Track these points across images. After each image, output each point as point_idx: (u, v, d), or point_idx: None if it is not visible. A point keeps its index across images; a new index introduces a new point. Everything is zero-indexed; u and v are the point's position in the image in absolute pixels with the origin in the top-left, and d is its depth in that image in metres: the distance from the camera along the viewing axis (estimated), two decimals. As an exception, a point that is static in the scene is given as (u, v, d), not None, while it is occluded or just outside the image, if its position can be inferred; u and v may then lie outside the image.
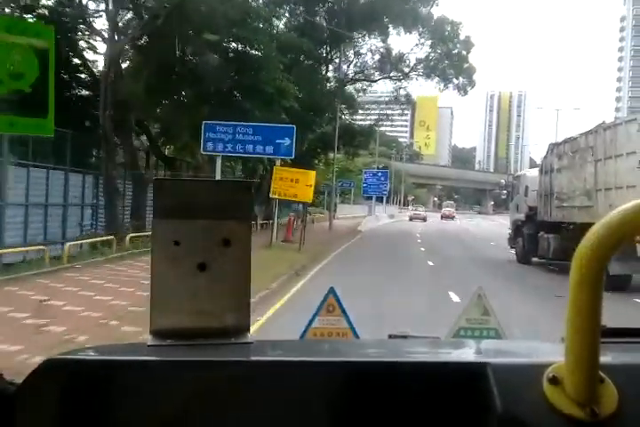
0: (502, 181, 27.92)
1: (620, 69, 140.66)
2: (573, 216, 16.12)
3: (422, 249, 25.54)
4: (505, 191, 25.66)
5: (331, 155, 43.58)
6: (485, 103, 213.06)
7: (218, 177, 21.35)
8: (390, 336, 1.45)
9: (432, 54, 42.97)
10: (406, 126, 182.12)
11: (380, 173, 61.73)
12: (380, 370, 0.93)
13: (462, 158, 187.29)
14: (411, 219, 68.66)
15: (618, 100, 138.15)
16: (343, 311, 2.36)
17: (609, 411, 0.81)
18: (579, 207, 15.63)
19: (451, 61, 42.56)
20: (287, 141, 22.76)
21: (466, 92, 44.02)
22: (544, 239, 17.60)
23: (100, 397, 0.88)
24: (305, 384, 0.89)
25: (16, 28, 3.05)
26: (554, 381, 0.83)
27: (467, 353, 1.19)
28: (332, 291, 2.36)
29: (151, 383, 0.89)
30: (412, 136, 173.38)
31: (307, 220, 29.71)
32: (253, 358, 1.00)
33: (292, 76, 27.03)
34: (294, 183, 22.37)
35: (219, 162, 23.31)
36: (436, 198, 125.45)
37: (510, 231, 22.17)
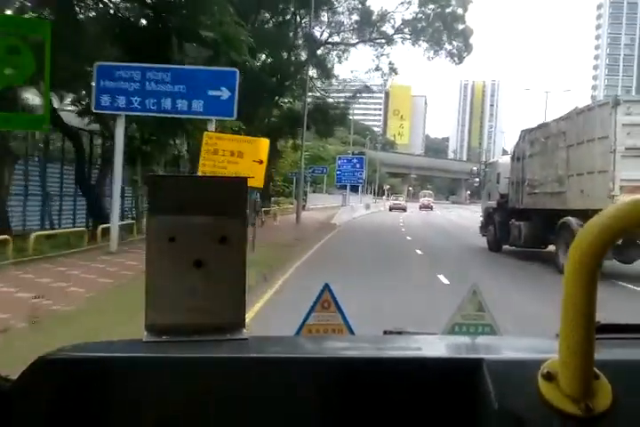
0: (474, 168, 26.96)
1: (596, 57, 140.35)
2: (545, 203, 15.91)
3: (419, 252, 19.04)
4: (477, 179, 25.14)
5: (300, 139, 34.48)
6: (459, 92, 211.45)
7: (118, 154, 15.29)
8: (385, 332, 1.46)
9: (420, 14, 36.49)
10: (380, 115, 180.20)
11: (355, 160, 56.43)
12: (376, 366, 0.93)
13: (436, 148, 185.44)
14: (391, 209, 66.28)
15: (594, 88, 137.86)
16: (338, 308, 2.38)
17: (603, 407, 0.81)
18: (550, 194, 15.43)
19: (443, 22, 35.92)
20: (226, 94, 14.73)
21: (461, 60, 37.65)
22: (515, 227, 17.37)
23: (94, 394, 0.88)
24: (301, 380, 0.90)
25: (11, 24, 3.03)
26: (548, 377, 0.83)
27: (462, 349, 1.19)
28: (326, 287, 2.39)
29: (147, 380, 0.89)
30: (385, 126, 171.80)
31: (261, 213, 23.01)
32: (249, 355, 1.00)
33: (250, 33, 19.92)
34: (236, 158, 13.73)
35: (120, 127, 15.09)
36: (410, 188, 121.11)
37: (482, 219, 21.78)
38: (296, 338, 1.75)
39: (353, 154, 66.73)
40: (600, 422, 0.81)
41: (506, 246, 19.10)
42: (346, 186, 59.65)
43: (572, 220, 13.28)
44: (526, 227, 16.53)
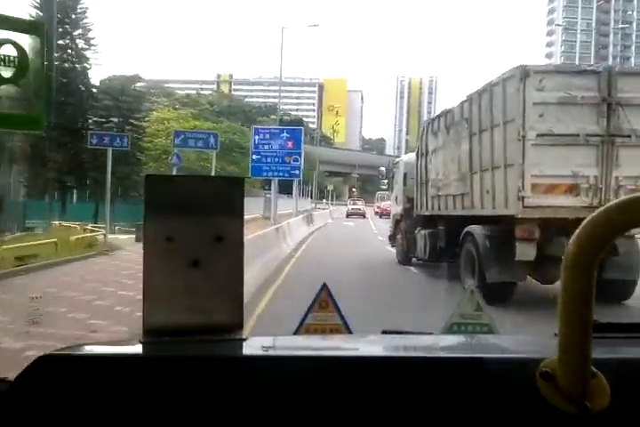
0: (382, 168, 20.64)
1: (549, 44, 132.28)
2: (448, 208, 12.60)
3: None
4: (386, 181, 20.76)
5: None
6: (396, 89, 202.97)
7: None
8: (384, 332, 1.47)
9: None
10: (314, 111, 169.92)
11: (285, 134, 30.69)
12: (374, 365, 0.93)
13: (373, 148, 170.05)
14: (348, 215, 52.54)
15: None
16: (336, 307, 2.39)
17: (601, 405, 0.81)
18: (454, 196, 12.10)
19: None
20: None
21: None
22: (421, 237, 14.15)
23: (93, 393, 0.88)
24: (298, 380, 0.90)
25: (6, 24, 3.06)
26: (546, 376, 0.83)
27: (460, 349, 1.19)
28: (324, 287, 2.39)
29: (144, 380, 0.90)
30: (320, 121, 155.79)
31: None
32: (247, 354, 1.01)
33: None
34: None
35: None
36: (354, 189, 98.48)
37: (390, 227, 18.19)
38: (294, 337, 1.75)
39: (281, 121, 43.87)
40: (598, 420, 0.81)
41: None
42: (270, 183, 35.39)
43: (477, 229, 10.36)
44: (430, 237, 13.51)
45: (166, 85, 56.47)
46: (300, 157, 30.31)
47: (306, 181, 66.59)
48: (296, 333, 2.21)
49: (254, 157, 29.98)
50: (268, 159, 29.89)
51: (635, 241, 9.84)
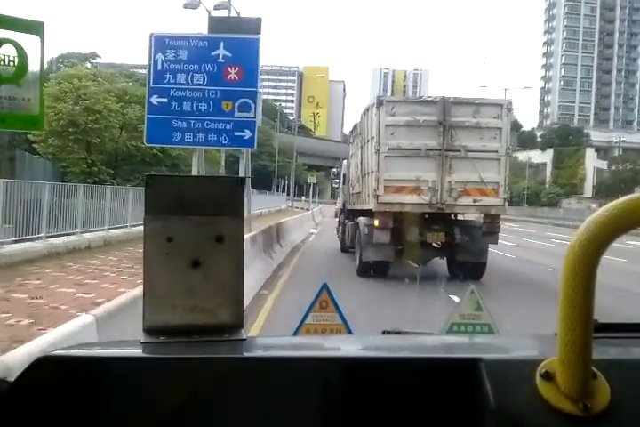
0: (334, 169, 27.61)
1: (548, 43, 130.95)
2: (354, 203, 16.30)
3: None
4: (337, 180, 25.08)
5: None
6: (379, 82, 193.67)
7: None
8: (384, 332, 1.46)
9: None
10: (292, 102, 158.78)
11: (223, 49, 13.85)
12: (374, 366, 0.93)
13: None
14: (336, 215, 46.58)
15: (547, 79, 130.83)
16: (337, 307, 2.39)
17: (601, 406, 0.81)
18: (357, 194, 15.74)
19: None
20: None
21: None
22: (346, 228, 17.15)
23: (93, 393, 0.88)
24: (298, 380, 0.90)
25: (5, 23, 3.06)
26: (547, 376, 0.83)
27: (460, 349, 1.19)
28: (325, 287, 2.39)
29: (144, 380, 0.89)
30: (299, 113, 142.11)
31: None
32: (247, 355, 1.01)
33: None
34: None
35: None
36: (336, 185, 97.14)
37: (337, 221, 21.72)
38: (294, 338, 1.74)
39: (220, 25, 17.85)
40: (598, 421, 0.81)
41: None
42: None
43: (362, 219, 13.53)
44: (350, 228, 16.14)
45: (132, 70, 43.75)
46: (254, 103, 14.32)
47: (281, 175, 61.72)
48: (296, 332, 2.21)
49: (154, 99, 14.19)
50: (184, 105, 14.19)
51: (478, 230, 12.63)
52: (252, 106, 14.24)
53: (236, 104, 14.07)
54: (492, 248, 13.24)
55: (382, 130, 12.38)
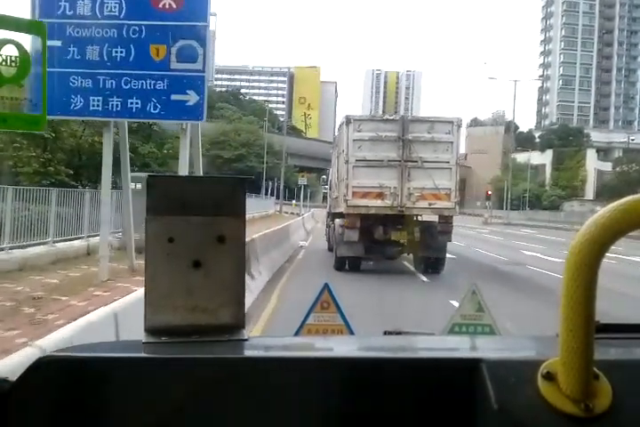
0: (324, 177, 28.79)
1: (545, 41, 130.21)
2: (335, 207, 17.85)
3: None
4: (327, 186, 26.34)
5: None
6: (371, 84, 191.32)
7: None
8: (385, 333, 1.47)
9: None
10: (283, 103, 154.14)
11: None
12: (375, 366, 0.93)
13: None
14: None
15: (547, 77, 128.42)
16: (338, 308, 2.38)
17: (603, 407, 0.81)
18: (336, 198, 17.28)
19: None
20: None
21: None
22: (330, 229, 19.03)
23: (94, 394, 0.88)
24: (300, 381, 0.90)
25: (7, 24, 3.06)
26: (548, 377, 0.83)
27: (461, 349, 1.19)
28: (326, 287, 2.38)
29: (146, 381, 0.89)
30: (290, 114, 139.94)
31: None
32: (248, 355, 1.01)
33: None
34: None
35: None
36: (325, 191, 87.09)
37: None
38: (296, 338, 1.74)
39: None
40: (600, 422, 0.81)
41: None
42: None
43: (337, 221, 15.76)
44: (331, 229, 18.34)
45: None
46: (204, 48, 9.17)
47: (270, 177, 57.78)
48: (297, 333, 2.20)
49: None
50: (88, 52, 9.05)
51: (435, 229, 14.61)
52: (199, 51, 8.69)
53: (174, 49, 8.70)
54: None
55: (350, 144, 14.56)
